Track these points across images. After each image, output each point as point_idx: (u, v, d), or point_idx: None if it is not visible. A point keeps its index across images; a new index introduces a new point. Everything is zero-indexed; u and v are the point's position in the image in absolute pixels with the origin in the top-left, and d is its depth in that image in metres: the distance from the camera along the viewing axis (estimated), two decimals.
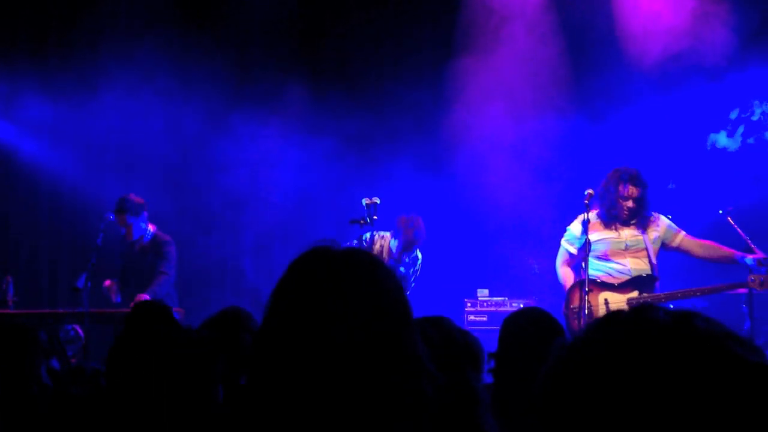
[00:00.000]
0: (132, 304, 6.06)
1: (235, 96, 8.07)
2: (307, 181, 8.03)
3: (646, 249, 5.85)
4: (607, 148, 7.30)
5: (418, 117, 7.88)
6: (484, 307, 7.17)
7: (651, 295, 5.77)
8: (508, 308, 6.90)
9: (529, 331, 2.64)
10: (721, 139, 7.23)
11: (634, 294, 5.80)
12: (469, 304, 7.24)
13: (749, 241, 6.05)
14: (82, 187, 8.06)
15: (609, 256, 5.90)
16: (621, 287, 5.84)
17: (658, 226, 5.95)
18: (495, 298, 7.21)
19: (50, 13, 8.18)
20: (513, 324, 2.69)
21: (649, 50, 7.15)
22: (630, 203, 5.82)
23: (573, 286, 5.89)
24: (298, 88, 8.04)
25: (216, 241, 8.38)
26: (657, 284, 5.84)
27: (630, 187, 5.80)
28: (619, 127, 7.34)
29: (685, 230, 6.00)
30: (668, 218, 6.02)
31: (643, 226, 5.90)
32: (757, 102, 7.13)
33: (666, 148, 7.25)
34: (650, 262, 5.84)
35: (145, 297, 6.19)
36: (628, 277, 5.82)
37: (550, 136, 7.49)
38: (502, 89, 7.48)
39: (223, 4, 8.22)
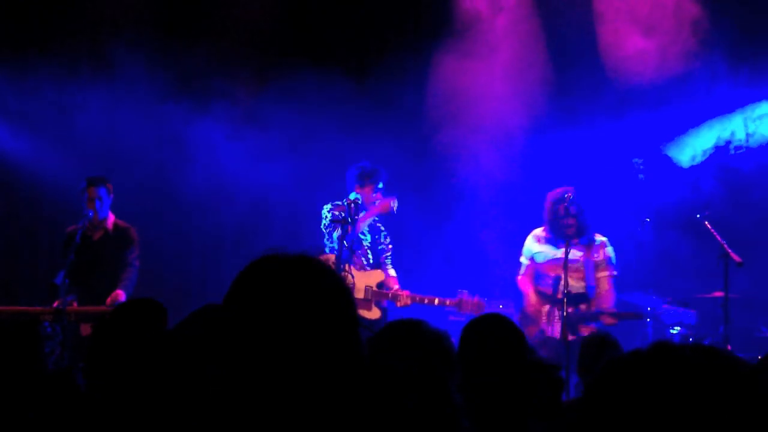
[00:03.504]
0: (108, 301, 6.04)
1: (212, 90, 8.03)
2: (289, 177, 8.03)
3: (585, 269, 6.26)
4: (590, 152, 7.36)
5: (401, 116, 7.88)
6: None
7: (580, 312, 6.22)
8: (487, 309, 6.93)
9: (489, 337, 2.68)
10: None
11: (570, 309, 6.11)
12: None
13: (725, 245, 6.14)
14: (61, 183, 8.00)
15: (547, 270, 6.37)
16: (559, 302, 6.15)
17: (598, 252, 6.33)
18: (475, 299, 7.24)
19: (30, 8, 8.12)
20: (473, 330, 2.74)
21: (627, 64, 7.23)
22: (569, 220, 6.23)
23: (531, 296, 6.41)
24: (285, 82, 8.03)
25: (196, 236, 8.36)
26: (588, 302, 6.28)
27: (567, 207, 6.21)
28: (600, 133, 7.39)
29: (617, 273, 6.35)
30: (611, 250, 6.36)
31: (585, 246, 6.31)
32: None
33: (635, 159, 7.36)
34: (586, 281, 6.26)
35: (122, 294, 6.13)
36: (566, 292, 6.12)
37: (536, 138, 7.54)
38: (486, 87, 7.51)
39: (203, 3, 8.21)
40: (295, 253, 1.55)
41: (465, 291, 6.38)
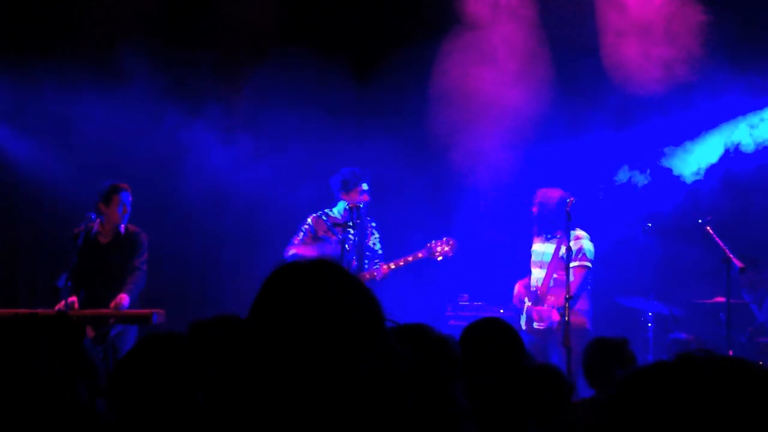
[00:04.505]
0: (112, 305, 6.04)
1: (212, 97, 8.04)
2: (285, 180, 8.03)
3: (550, 263, 6.50)
4: (593, 158, 7.34)
5: (403, 115, 7.87)
6: (464, 312, 7.22)
7: (534, 306, 6.51)
8: (487, 313, 6.95)
9: (486, 340, 2.69)
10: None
11: (530, 304, 6.56)
12: (449, 309, 7.29)
13: (728, 251, 6.13)
14: (63, 186, 8.00)
15: (532, 265, 6.68)
16: (529, 295, 6.58)
17: (572, 241, 6.43)
18: (475, 303, 7.25)
19: (31, 12, 8.12)
20: (471, 333, 2.74)
21: (630, 71, 7.22)
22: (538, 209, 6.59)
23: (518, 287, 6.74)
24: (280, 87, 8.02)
25: (196, 241, 8.36)
26: (547, 300, 6.45)
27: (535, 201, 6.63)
28: (603, 140, 7.37)
29: (591, 265, 6.43)
30: (585, 242, 6.43)
31: (558, 239, 6.50)
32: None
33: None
34: (547, 275, 6.48)
35: (126, 298, 6.13)
36: (535, 286, 6.55)
37: (538, 142, 7.53)
38: (488, 90, 7.50)
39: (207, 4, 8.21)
40: (314, 258, 1.58)
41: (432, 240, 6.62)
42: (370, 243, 6.74)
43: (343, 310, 1.47)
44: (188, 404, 2.44)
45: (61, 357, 3.19)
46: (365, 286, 1.55)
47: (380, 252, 6.76)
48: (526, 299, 6.57)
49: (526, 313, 6.56)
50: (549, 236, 6.58)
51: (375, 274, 6.53)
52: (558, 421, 3.08)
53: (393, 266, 6.56)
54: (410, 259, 6.57)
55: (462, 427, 2.03)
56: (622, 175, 7.28)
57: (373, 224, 6.80)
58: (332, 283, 1.50)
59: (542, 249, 6.62)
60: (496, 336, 2.80)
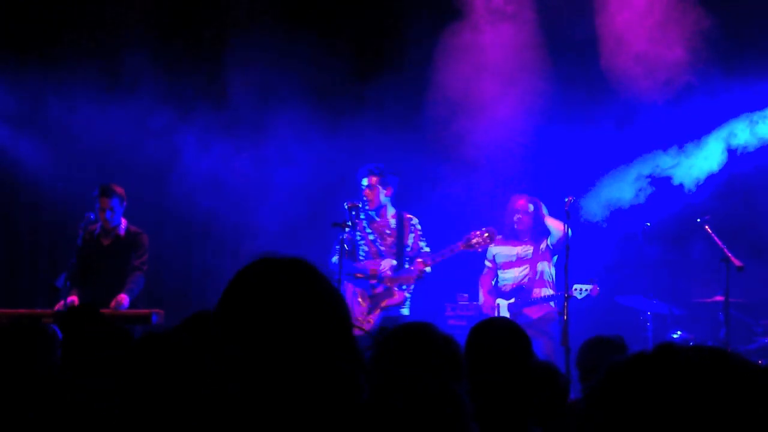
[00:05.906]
0: (112, 304, 6.05)
1: (209, 96, 8.04)
2: (284, 178, 8.02)
3: (532, 259, 6.67)
4: (593, 159, 7.34)
5: (401, 116, 7.88)
6: (464, 312, 7.22)
7: (521, 300, 6.64)
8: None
9: (496, 341, 2.69)
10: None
11: (512, 300, 6.67)
12: (449, 308, 7.29)
13: (726, 250, 6.14)
14: (62, 186, 8.01)
15: (502, 267, 6.79)
16: (506, 295, 6.71)
17: (543, 242, 6.69)
18: (474, 303, 7.25)
19: (30, 13, 8.13)
20: (481, 333, 2.74)
21: (627, 61, 7.22)
22: (519, 217, 6.69)
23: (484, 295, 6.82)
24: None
25: (194, 240, 8.36)
26: (533, 293, 6.64)
27: (519, 203, 6.72)
28: (604, 142, 7.36)
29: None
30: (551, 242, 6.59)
31: (535, 240, 6.72)
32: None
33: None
34: (531, 270, 6.66)
35: (126, 298, 6.14)
36: (510, 285, 6.69)
37: (535, 142, 7.53)
38: (487, 93, 7.50)
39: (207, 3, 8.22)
40: (288, 255, 1.59)
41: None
42: (409, 241, 6.61)
43: (307, 309, 1.49)
44: (190, 401, 2.44)
45: (61, 357, 3.20)
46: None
47: (425, 250, 6.57)
48: (500, 300, 6.66)
49: (509, 310, 6.62)
50: (524, 240, 6.74)
51: (420, 274, 6.40)
52: (557, 421, 3.08)
53: (430, 262, 6.38)
54: (448, 253, 6.41)
55: (464, 427, 2.03)
56: (626, 186, 7.26)
57: (413, 221, 6.65)
58: (300, 281, 1.52)
59: (514, 251, 6.74)
60: (506, 336, 2.79)
